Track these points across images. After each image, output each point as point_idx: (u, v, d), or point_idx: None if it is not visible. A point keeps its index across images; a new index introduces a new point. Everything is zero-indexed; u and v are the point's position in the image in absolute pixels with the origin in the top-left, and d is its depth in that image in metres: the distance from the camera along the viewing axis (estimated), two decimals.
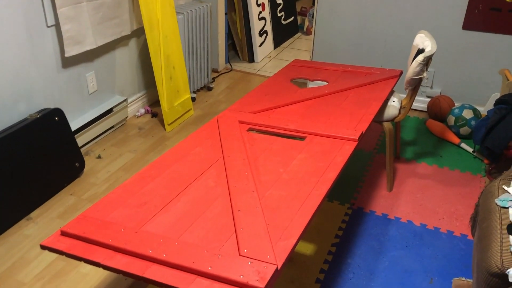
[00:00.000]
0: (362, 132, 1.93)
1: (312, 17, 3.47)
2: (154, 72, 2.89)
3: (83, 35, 2.55)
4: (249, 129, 2.03)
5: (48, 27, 2.40)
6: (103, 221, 1.38)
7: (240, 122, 2.07)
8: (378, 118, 2.42)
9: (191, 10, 3.20)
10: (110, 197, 1.52)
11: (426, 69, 2.27)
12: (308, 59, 3.94)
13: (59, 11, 2.37)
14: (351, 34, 3.34)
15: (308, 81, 2.77)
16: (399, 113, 2.45)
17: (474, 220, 1.95)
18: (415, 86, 2.37)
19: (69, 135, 2.48)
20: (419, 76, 2.26)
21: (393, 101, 2.45)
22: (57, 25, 2.43)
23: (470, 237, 2.17)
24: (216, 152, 1.82)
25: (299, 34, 4.90)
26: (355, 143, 1.86)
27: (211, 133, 1.97)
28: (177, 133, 3.03)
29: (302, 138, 1.93)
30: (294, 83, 2.59)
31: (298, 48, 4.52)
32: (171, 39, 2.99)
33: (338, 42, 3.40)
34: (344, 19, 3.32)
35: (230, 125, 2.02)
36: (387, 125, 2.40)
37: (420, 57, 2.20)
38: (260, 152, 1.81)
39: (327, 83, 2.57)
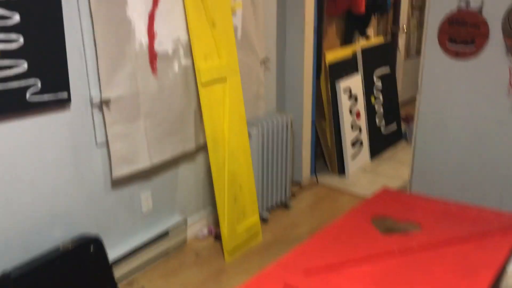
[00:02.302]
0: None
1: (413, 132, 2.92)
2: (216, 194, 2.54)
3: (136, 153, 2.31)
4: None
5: (98, 145, 2.20)
6: None
7: (286, 286, 1.55)
8: None
9: (267, 122, 2.87)
10: None
11: None
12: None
13: (109, 129, 2.17)
14: (459, 158, 2.69)
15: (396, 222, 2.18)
16: None
17: None
18: None
19: (105, 268, 2.17)
20: None
21: None
22: (108, 144, 2.23)
23: None
24: None
25: (402, 143, 4.31)
26: None
27: None
28: (238, 264, 2.58)
29: None
30: (376, 224, 2.03)
31: (400, 160, 3.92)
32: (238, 155, 2.65)
33: (442, 167, 2.76)
34: (450, 138, 2.71)
35: None
36: None
37: None
38: None
39: (419, 228, 1.96)
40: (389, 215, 2.10)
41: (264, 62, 3.03)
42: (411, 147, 2.90)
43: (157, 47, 2.33)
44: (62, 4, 1.91)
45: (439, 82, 2.69)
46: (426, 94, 2.75)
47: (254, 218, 2.78)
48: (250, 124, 2.82)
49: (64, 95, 1.98)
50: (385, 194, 2.32)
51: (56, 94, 1.95)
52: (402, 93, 5.04)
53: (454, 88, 2.65)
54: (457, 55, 2.58)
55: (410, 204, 2.19)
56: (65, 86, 1.98)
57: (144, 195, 2.49)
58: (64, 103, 2.01)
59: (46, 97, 1.92)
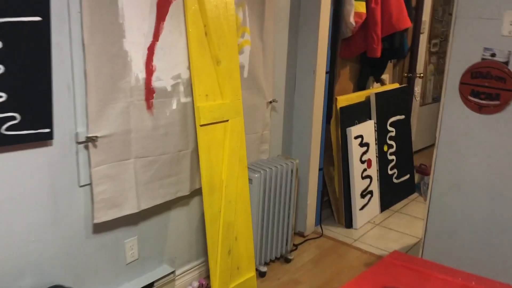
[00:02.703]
0: None
1: (427, 188, 2.68)
2: (208, 246, 2.30)
3: (123, 197, 2.10)
4: None
5: (81, 186, 2.01)
6: None
7: None
8: None
9: (271, 167, 2.66)
10: None
11: None
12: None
13: (94, 169, 1.97)
14: (479, 222, 2.45)
15: None
16: None
17: None
18: None
19: None
20: None
21: None
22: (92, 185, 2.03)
23: None
24: None
25: (415, 195, 4.06)
26: None
27: None
28: None
29: None
30: None
31: (412, 214, 3.66)
32: (237, 204, 2.43)
33: (460, 230, 2.51)
34: (470, 198, 2.47)
35: None
36: None
37: None
38: None
39: None
40: (400, 287, 1.85)
41: (271, 103, 2.85)
42: (425, 205, 2.66)
43: (155, 82, 2.16)
44: (51, 33, 1.75)
45: (459, 137, 2.47)
46: (444, 148, 2.53)
47: (250, 274, 2.53)
48: (252, 168, 2.62)
49: (45, 131, 1.80)
50: (396, 259, 2.08)
51: (36, 130, 1.77)
52: (416, 141, 4.82)
53: (476, 145, 2.43)
54: (479, 109, 2.38)
55: (424, 275, 1.93)
56: (48, 123, 1.80)
57: (129, 242, 2.26)
58: (45, 140, 1.83)
59: (25, 132, 1.74)
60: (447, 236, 2.57)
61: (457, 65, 2.42)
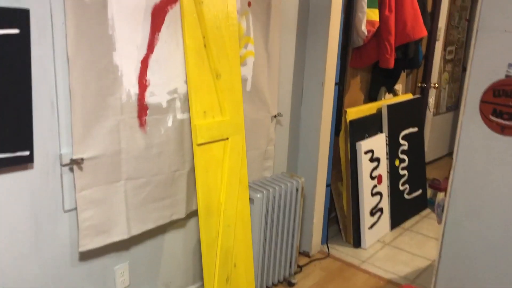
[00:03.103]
0: None
1: (442, 211, 2.49)
2: (204, 274, 2.14)
3: (112, 222, 1.94)
4: None
5: (66, 212, 1.85)
6: None
7: None
8: None
9: (274, 186, 2.48)
10: None
11: None
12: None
13: (79, 193, 1.81)
14: (500, 251, 2.25)
15: None
16: None
17: None
18: None
19: None
20: None
21: None
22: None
23: None
24: None
25: (427, 211, 3.86)
26: None
27: None
28: None
29: None
30: None
31: (424, 233, 3.46)
32: (236, 228, 2.26)
33: (478, 260, 2.31)
34: (489, 226, 2.27)
35: None
36: None
37: None
38: None
39: None
40: None
41: (276, 117, 2.67)
42: (440, 230, 2.47)
43: (149, 98, 2.00)
44: (31, 46, 1.59)
45: (478, 159, 2.27)
46: (462, 171, 2.33)
47: None
48: (253, 187, 2.44)
49: (25, 154, 1.65)
50: None
51: (14, 153, 1.61)
52: (429, 152, 4.62)
53: (497, 168, 2.22)
54: (502, 130, 2.18)
55: None
56: (27, 144, 1.64)
57: (119, 269, 2.10)
58: (25, 163, 1.67)
59: (0, 156, 1.59)
60: (463, 265, 2.38)
61: (478, 81, 2.22)
